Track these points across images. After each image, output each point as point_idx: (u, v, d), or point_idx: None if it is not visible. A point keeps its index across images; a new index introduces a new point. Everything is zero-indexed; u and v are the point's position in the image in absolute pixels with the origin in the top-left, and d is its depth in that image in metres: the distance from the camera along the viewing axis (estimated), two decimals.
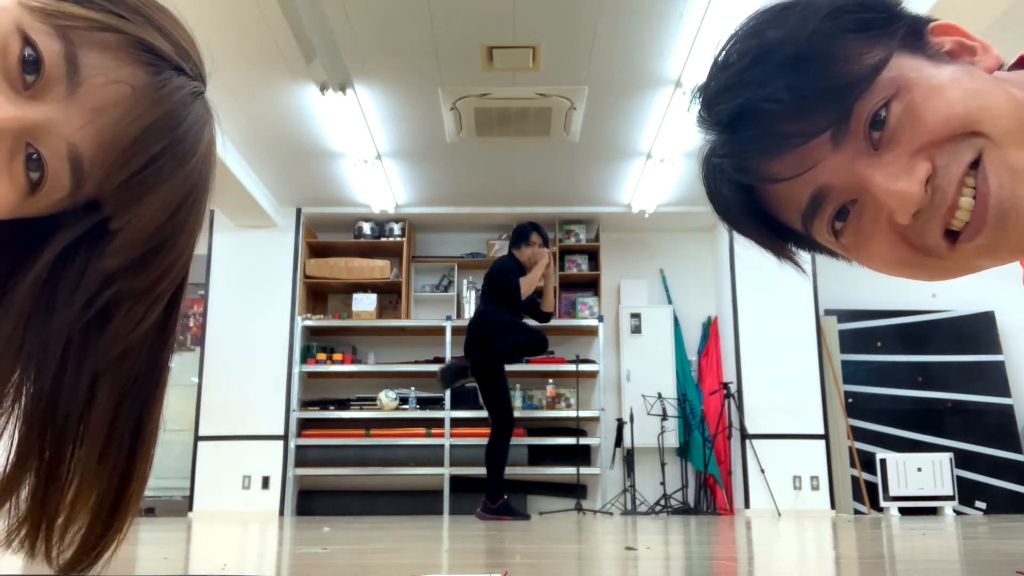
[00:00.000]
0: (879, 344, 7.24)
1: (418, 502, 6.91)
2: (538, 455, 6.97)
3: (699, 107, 0.73)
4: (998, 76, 0.67)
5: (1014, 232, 0.62)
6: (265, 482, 6.82)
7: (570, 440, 6.89)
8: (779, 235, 0.75)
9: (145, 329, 0.65)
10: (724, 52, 0.70)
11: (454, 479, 6.89)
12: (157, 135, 0.61)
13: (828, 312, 7.28)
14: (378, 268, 7.37)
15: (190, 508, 6.79)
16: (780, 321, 7.06)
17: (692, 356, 7.54)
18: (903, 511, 6.62)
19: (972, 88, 0.64)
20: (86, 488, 0.66)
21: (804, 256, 0.81)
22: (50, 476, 0.65)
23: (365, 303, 7.31)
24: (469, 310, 7.43)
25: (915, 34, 0.67)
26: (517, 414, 7.00)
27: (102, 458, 0.66)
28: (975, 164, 0.62)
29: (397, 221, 7.51)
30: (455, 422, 6.99)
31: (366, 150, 6.04)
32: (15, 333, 0.63)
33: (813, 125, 0.65)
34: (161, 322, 0.67)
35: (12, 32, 0.56)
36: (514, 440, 6.88)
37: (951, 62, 0.67)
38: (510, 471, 6.88)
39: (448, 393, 7.04)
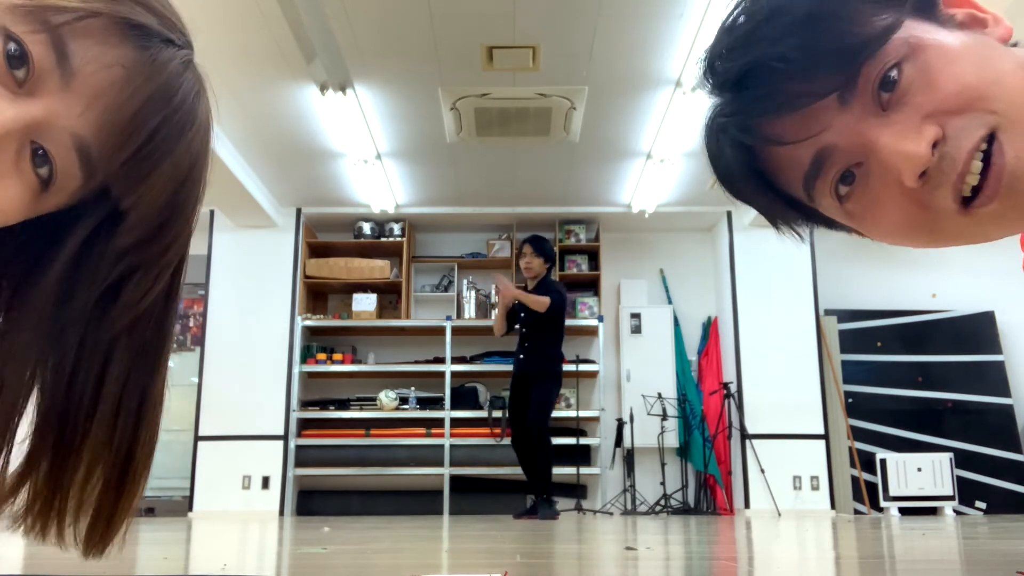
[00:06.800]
0: (879, 344, 7.24)
1: (418, 502, 6.92)
2: None
3: (704, 68, 0.71)
4: (1010, 49, 0.67)
5: None
6: (265, 482, 6.82)
7: (570, 440, 6.88)
8: (780, 201, 0.74)
9: (154, 297, 0.66)
10: (732, 15, 0.69)
11: (454, 479, 6.89)
12: (154, 109, 0.61)
13: (828, 312, 7.28)
14: (378, 268, 7.37)
15: (190, 508, 6.79)
16: (780, 321, 7.06)
17: (692, 356, 7.54)
18: (903, 511, 6.62)
19: (986, 57, 0.64)
20: (96, 462, 0.67)
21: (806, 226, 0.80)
22: (64, 455, 0.66)
23: (365, 303, 7.31)
24: (469, 310, 7.43)
25: (926, 1, 0.67)
26: None
27: (111, 429, 0.67)
28: (985, 138, 0.62)
29: (397, 221, 7.51)
30: (455, 422, 6.99)
31: (366, 150, 6.04)
32: (40, 323, 0.64)
33: (822, 85, 0.64)
34: (167, 290, 0.68)
35: None
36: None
37: (963, 30, 0.67)
38: (510, 471, 6.89)
39: (448, 393, 7.05)
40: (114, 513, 0.69)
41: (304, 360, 7.14)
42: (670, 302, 7.62)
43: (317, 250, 7.54)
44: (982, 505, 6.74)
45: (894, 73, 0.63)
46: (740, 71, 0.67)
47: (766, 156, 0.70)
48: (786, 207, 0.74)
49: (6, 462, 0.66)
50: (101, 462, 0.67)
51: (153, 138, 0.61)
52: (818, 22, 0.64)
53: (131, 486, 0.69)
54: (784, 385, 6.97)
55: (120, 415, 0.67)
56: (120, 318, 0.65)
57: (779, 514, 6.54)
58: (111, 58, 0.60)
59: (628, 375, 7.30)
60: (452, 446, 6.91)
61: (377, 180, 6.57)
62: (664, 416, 6.96)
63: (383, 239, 7.52)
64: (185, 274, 0.70)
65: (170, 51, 0.63)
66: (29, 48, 0.57)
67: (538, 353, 5.85)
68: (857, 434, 6.98)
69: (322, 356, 7.22)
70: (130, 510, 0.70)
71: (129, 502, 0.69)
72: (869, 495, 6.77)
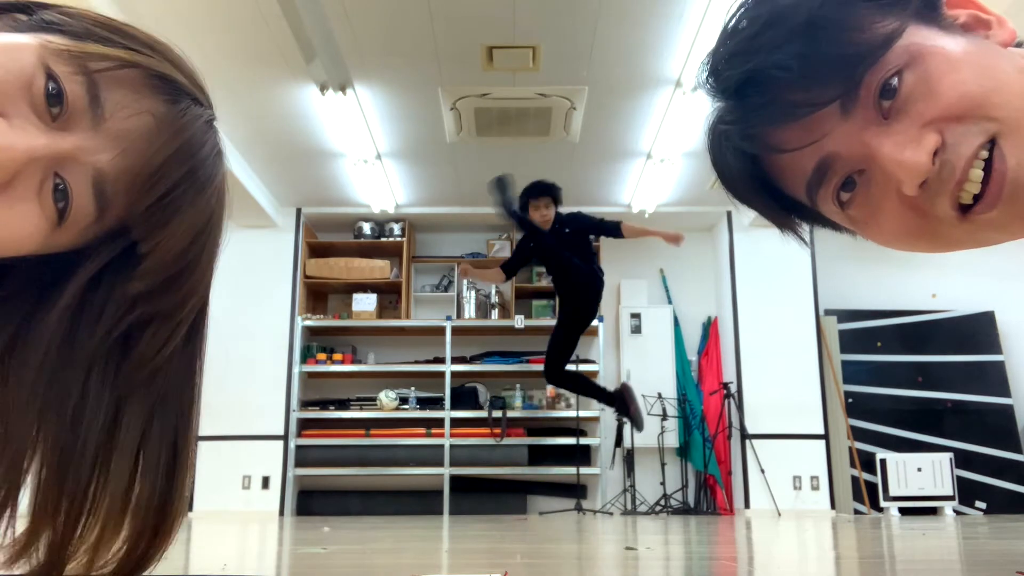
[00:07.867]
0: (879, 344, 7.24)
1: (418, 502, 6.91)
2: (538, 455, 6.97)
3: (706, 73, 0.71)
4: (1012, 52, 0.66)
5: None
6: (265, 482, 6.82)
7: (570, 440, 6.88)
8: (783, 206, 0.74)
9: (171, 351, 0.67)
10: (734, 19, 0.69)
11: (454, 479, 6.88)
12: (180, 161, 0.64)
13: (828, 312, 7.28)
14: (378, 268, 7.37)
15: (190, 508, 6.74)
16: (780, 321, 7.06)
17: (692, 356, 7.54)
18: (903, 511, 6.62)
19: (987, 65, 0.63)
20: (116, 514, 0.66)
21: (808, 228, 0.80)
22: (70, 509, 0.65)
23: (365, 303, 7.31)
24: (469, 310, 7.42)
25: (929, 5, 0.67)
26: (516, 414, 7.03)
27: (132, 481, 0.66)
28: (985, 145, 0.62)
29: (397, 221, 7.51)
30: (455, 422, 6.99)
31: (366, 150, 6.04)
32: (44, 364, 0.64)
33: (822, 94, 0.64)
34: (187, 343, 0.69)
35: (37, 67, 0.59)
36: (514, 440, 6.91)
37: (965, 35, 0.66)
38: (510, 471, 6.90)
39: (448, 393, 7.05)
40: (147, 552, 0.69)
41: (304, 360, 7.14)
42: (670, 302, 7.62)
43: (317, 250, 7.54)
44: (982, 505, 6.74)
45: (895, 81, 0.63)
46: (741, 78, 0.67)
47: (769, 163, 0.70)
48: (790, 211, 0.75)
49: (12, 517, 0.65)
50: (127, 518, 0.66)
51: (176, 188, 0.64)
52: (818, 30, 0.63)
53: (167, 528, 0.69)
54: (784, 385, 6.97)
55: (145, 469, 0.67)
56: (136, 371, 0.66)
57: (779, 514, 6.53)
58: (142, 106, 0.63)
59: (628, 375, 7.29)
60: (452, 446, 6.90)
61: (377, 180, 6.57)
62: (664, 416, 6.96)
63: (383, 239, 7.52)
64: (206, 328, 0.70)
65: (197, 109, 0.67)
66: (65, 87, 0.59)
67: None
68: (857, 434, 6.98)
69: (322, 356, 7.22)
70: (164, 548, 0.70)
71: (164, 541, 0.70)
72: (869, 495, 6.77)
